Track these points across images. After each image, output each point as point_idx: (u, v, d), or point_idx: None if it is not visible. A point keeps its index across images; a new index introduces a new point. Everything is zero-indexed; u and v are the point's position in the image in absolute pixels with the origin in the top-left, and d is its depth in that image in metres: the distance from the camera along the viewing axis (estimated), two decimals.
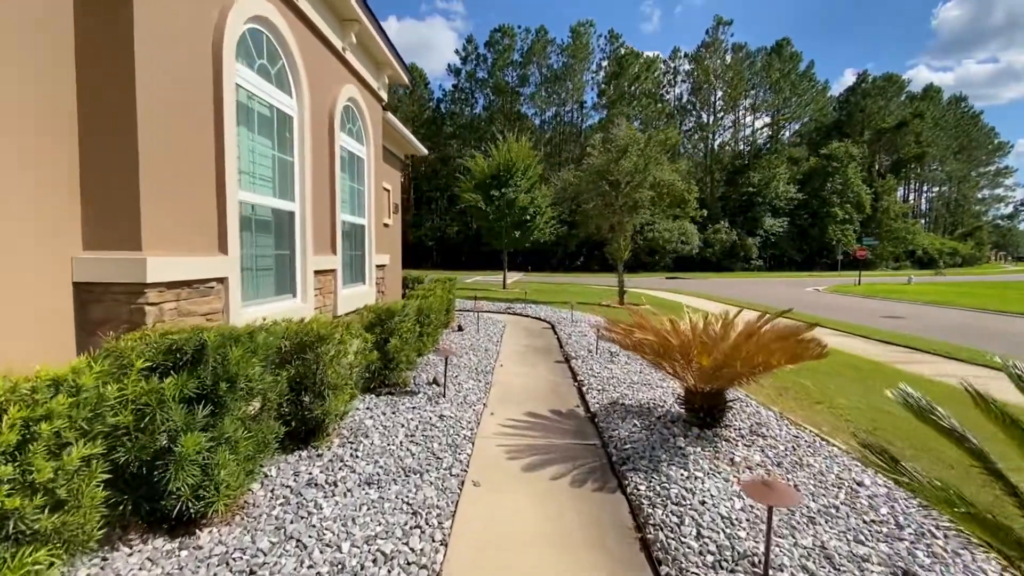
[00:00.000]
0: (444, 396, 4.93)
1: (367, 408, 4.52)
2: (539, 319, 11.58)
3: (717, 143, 64.36)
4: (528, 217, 22.99)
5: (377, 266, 7.28)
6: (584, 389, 5.56)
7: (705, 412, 4.03)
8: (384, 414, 4.37)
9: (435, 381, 5.33)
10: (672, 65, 62.37)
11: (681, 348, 3.60)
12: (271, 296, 4.58)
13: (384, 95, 7.44)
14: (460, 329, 9.08)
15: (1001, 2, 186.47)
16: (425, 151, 10.19)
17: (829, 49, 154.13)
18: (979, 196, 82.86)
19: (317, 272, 5.20)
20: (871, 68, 68.47)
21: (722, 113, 63.18)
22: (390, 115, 7.84)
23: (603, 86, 57.12)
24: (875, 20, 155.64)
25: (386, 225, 8.84)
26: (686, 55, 61.86)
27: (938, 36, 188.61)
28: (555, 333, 9.52)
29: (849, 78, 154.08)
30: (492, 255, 43.71)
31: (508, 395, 5.38)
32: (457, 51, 61.21)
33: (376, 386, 4.95)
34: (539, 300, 16.51)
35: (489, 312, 12.44)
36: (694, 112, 63.23)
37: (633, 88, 55.96)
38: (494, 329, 9.53)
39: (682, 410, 4.46)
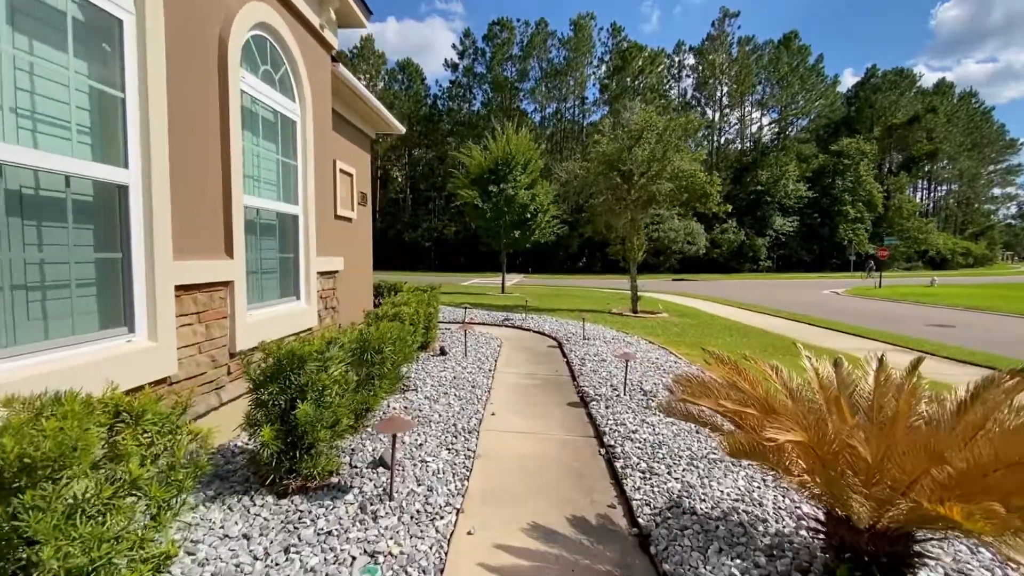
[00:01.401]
0: (391, 498, 2.94)
1: (241, 534, 2.52)
2: (543, 334, 9.59)
3: (723, 140, 62.38)
4: (529, 215, 21.05)
5: (322, 273, 5.29)
6: (619, 467, 3.56)
7: (883, 568, 2.03)
8: (265, 550, 2.38)
9: (382, 461, 3.33)
10: (676, 59, 60.38)
11: (874, 465, 1.63)
12: (83, 335, 2.59)
13: (332, 39, 5.46)
14: (443, 353, 7.08)
15: (1000, 2, 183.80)
16: (402, 128, 8.22)
17: (826, 49, 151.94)
18: (990, 194, 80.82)
19: (187, 288, 3.22)
20: (870, 69, 66.42)
21: (728, 109, 61.18)
22: (345, 71, 5.86)
23: (605, 81, 55.12)
24: (872, 20, 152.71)
25: (345, 219, 6.86)
26: (691, 49, 59.87)
27: (936, 36, 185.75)
28: (564, 356, 7.52)
29: (849, 78, 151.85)
30: (491, 256, 41.73)
31: (499, 481, 3.39)
32: (454, 45, 59.32)
33: (279, 479, 2.95)
34: (541, 307, 14.52)
35: (483, 325, 10.45)
36: (699, 108, 61.21)
37: (636, 83, 53.91)
38: (487, 351, 7.54)
39: (814, 540, 2.48)
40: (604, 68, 56.85)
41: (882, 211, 55.57)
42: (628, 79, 53.86)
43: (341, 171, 6.61)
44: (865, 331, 11.16)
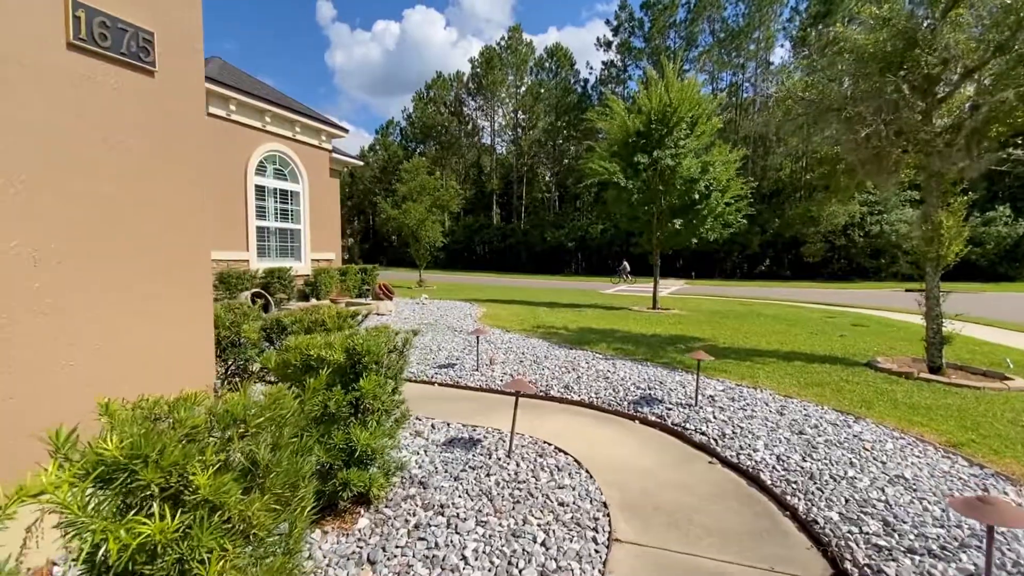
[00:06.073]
0: None
1: None
2: (762, 490, 3.12)
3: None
4: (697, 196, 13.97)
5: None
6: None
7: None
8: None
9: None
10: None
11: None
12: None
13: None
14: None
15: None
16: None
17: None
18: None
19: None
20: None
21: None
22: None
23: (802, 33, 43.14)
24: None
25: None
26: None
27: None
28: None
29: None
30: (645, 259, 34.42)
31: None
32: (608, 21, 52.54)
33: None
34: (724, 345, 7.66)
35: (579, 409, 4.32)
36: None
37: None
38: None
39: None
40: (798, 20, 44.76)
41: None
42: (835, 27, 41.11)
43: None
44: None
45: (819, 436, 3.84)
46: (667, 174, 13.59)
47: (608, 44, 51.64)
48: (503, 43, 56.22)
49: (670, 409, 4.44)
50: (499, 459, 3.22)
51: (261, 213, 11.21)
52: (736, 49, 46.53)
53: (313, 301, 11.82)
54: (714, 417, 4.22)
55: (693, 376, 5.62)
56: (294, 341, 2.32)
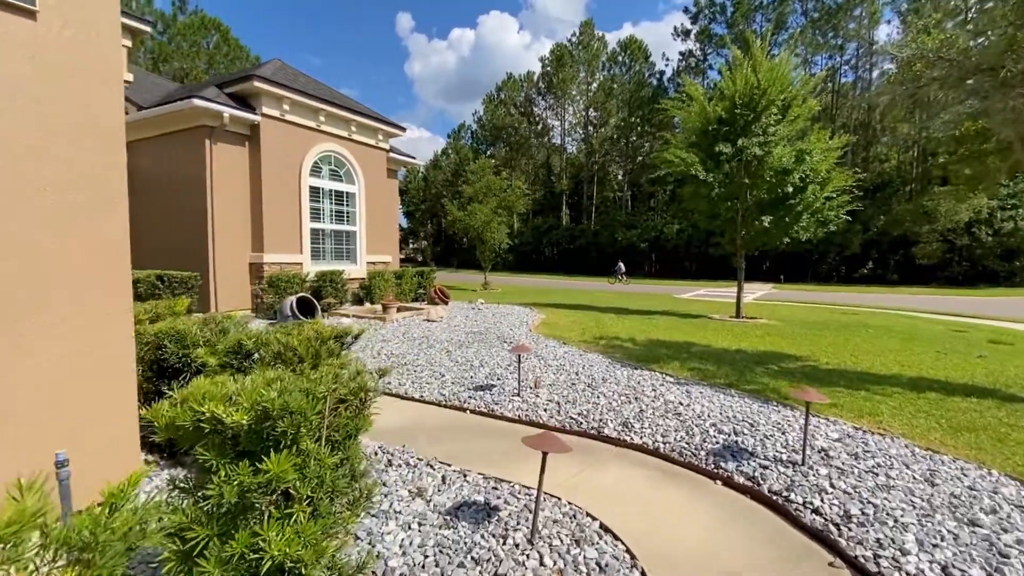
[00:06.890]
0: None
1: None
2: None
3: None
4: (791, 189, 12.16)
5: None
6: None
7: None
8: None
9: None
10: None
11: None
12: None
13: None
14: None
15: None
16: None
17: None
18: None
19: None
20: None
21: None
22: None
23: (915, 4, 38.01)
24: None
25: None
26: None
27: None
28: None
29: None
30: (726, 259, 31.61)
31: None
32: (686, 8, 49.33)
33: None
34: (829, 363, 6.14)
35: (638, 465, 3.29)
36: None
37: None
38: None
39: None
40: None
41: None
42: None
43: None
44: None
45: (1004, 530, 2.56)
46: (754, 165, 11.93)
47: (686, 33, 48.71)
48: (574, 39, 54.89)
49: (765, 467, 3.29)
50: (516, 545, 2.30)
51: (316, 215, 11.07)
52: (833, 29, 42.05)
53: (367, 305, 11.50)
54: (831, 485, 3.03)
55: (793, 412, 4.37)
56: (182, 393, 1.57)
